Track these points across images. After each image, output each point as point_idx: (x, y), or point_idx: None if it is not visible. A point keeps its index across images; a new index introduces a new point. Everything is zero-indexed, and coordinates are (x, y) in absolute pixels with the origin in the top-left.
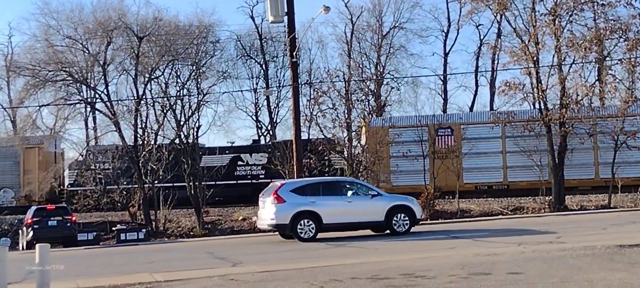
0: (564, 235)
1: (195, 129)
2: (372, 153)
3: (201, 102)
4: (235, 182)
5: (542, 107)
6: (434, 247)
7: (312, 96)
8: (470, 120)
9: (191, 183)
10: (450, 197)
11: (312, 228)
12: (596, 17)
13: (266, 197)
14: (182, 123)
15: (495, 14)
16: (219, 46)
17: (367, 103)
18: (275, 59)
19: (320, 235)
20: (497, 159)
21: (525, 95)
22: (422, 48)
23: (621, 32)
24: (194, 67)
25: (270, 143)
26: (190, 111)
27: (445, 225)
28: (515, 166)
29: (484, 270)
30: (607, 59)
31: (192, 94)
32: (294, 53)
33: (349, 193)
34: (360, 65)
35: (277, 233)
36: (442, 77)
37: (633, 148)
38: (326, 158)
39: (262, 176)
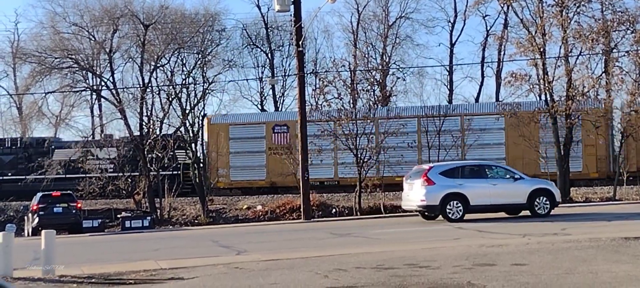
0: (569, 227)
1: (201, 118)
2: (213, 149)
3: (206, 91)
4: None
5: (549, 99)
6: (438, 237)
7: (317, 85)
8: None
9: (196, 172)
10: (289, 193)
11: (460, 209)
12: (604, 9)
13: (414, 179)
14: (187, 111)
15: (502, 5)
16: (224, 35)
17: (372, 93)
18: (281, 48)
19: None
20: (329, 157)
21: (531, 86)
22: (428, 38)
23: (629, 24)
24: (200, 55)
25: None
26: (196, 99)
27: None
28: (343, 163)
29: (489, 261)
30: (614, 50)
31: (197, 83)
32: (300, 42)
33: (493, 176)
34: (366, 55)
35: (279, 222)
36: (448, 68)
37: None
38: (172, 153)
39: (111, 170)
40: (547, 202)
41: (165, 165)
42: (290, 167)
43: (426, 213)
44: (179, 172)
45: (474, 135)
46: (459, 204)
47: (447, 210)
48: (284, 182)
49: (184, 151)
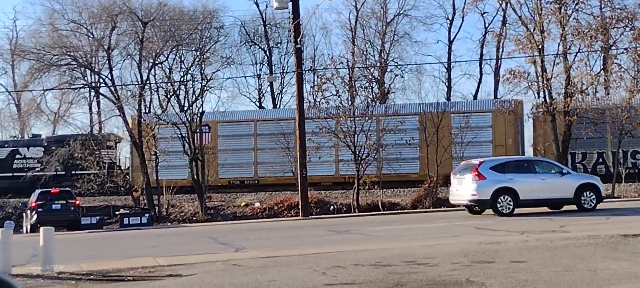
0: (568, 224)
1: (199, 115)
2: (139, 149)
3: (205, 88)
4: (11, 174)
5: (547, 96)
6: (437, 234)
7: (315, 83)
8: (224, 119)
9: (194, 168)
10: (210, 192)
11: (510, 204)
12: (602, 6)
13: (465, 174)
14: (185, 108)
15: (500, 2)
16: (223, 32)
17: (370, 90)
18: (279, 45)
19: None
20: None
21: (529, 83)
22: (427, 35)
23: (627, 21)
24: (198, 52)
25: (48, 137)
26: (194, 97)
27: (447, 213)
28: (265, 162)
29: (487, 259)
30: (613, 48)
31: (195, 80)
32: (298, 39)
33: (541, 171)
34: (364, 52)
35: (277, 219)
36: (446, 65)
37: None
38: (97, 152)
39: (38, 169)
40: (593, 197)
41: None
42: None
43: (475, 208)
44: (104, 171)
45: (224, 141)
46: (510, 199)
47: (498, 205)
48: (213, 180)
49: (110, 151)
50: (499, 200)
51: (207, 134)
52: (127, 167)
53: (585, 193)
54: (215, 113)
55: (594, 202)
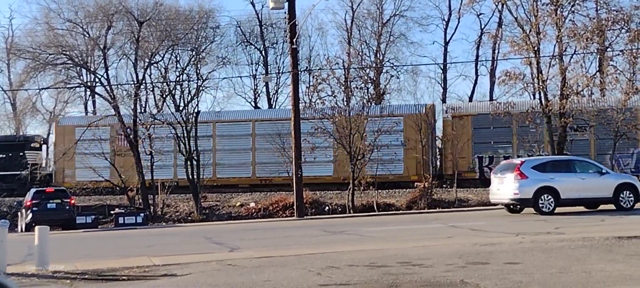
0: (562, 226)
1: (194, 115)
2: (60, 151)
3: (200, 88)
4: None
5: (542, 98)
6: (431, 235)
7: (311, 83)
8: (147, 121)
9: (189, 169)
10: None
11: (551, 202)
12: (598, 8)
13: (506, 174)
14: (181, 108)
15: (496, 3)
16: (219, 32)
17: (366, 91)
18: (275, 45)
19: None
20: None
21: (525, 85)
22: (423, 36)
23: (623, 22)
24: (194, 52)
25: None
26: (190, 96)
27: (442, 214)
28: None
29: (482, 260)
30: (609, 49)
31: (191, 80)
32: (294, 40)
33: (581, 170)
34: (360, 53)
35: (272, 219)
36: (442, 66)
37: (632, 139)
38: (21, 154)
39: None
40: (632, 196)
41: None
42: None
43: (518, 207)
44: (27, 173)
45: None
46: (551, 198)
47: (540, 204)
48: (131, 182)
49: (35, 152)
50: (541, 199)
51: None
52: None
53: (623, 193)
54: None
55: (632, 201)
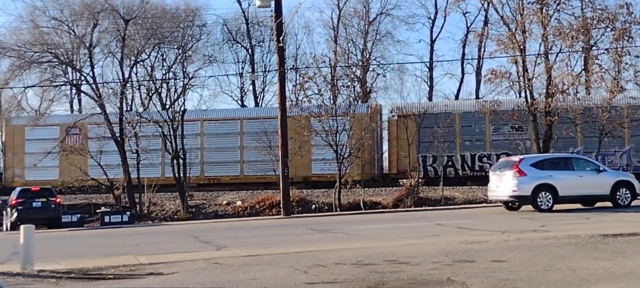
0: (548, 223)
1: (181, 113)
2: (10, 149)
3: (187, 86)
4: None
5: (528, 96)
6: (418, 233)
7: (298, 81)
8: (94, 121)
9: (176, 167)
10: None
11: (550, 199)
12: (583, 6)
13: (505, 171)
14: (167, 106)
15: (482, 2)
16: (205, 30)
17: (352, 89)
18: (261, 43)
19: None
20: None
21: (511, 83)
22: (409, 35)
23: (608, 21)
24: (180, 50)
25: None
26: (176, 95)
27: (429, 212)
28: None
29: (468, 258)
30: (594, 48)
31: (177, 78)
32: (281, 38)
33: (579, 168)
34: (347, 51)
35: (259, 217)
36: (428, 65)
37: (618, 137)
38: None
39: None
40: (629, 194)
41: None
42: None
43: (516, 204)
44: None
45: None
46: (549, 195)
47: (538, 201)
48: (76, 182)
49: None
50: (539, 196)
51: (78, 135)
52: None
53: (620, 190)
54: (84, 115)
55: (629, 198)
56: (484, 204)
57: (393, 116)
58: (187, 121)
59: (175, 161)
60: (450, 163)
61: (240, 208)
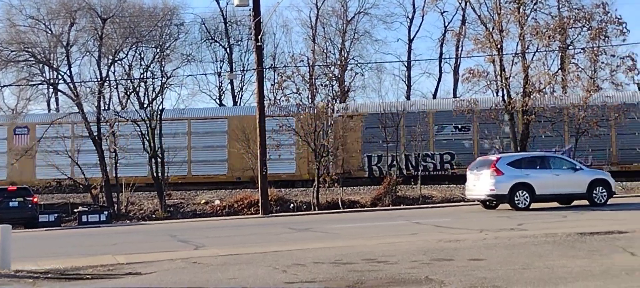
0: (525, 222)
1: (159, 112)
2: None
3: (165, 85)
4: None
5: (505, 95)
6: (396, 232)
7: (276, 80)
8: (43, 121)
9: (154, 166)
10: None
11: (527, 198)
12: (560, 6)
13: (482, 170)
14: (145, 105)
15: (460, 1)
16: (183, 29)
17: (331, 88)
18: (239, 42)
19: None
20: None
21: (488, 82)
22: (387, 34)
23: (585, 21)
24: (158, 49)
25: None
26: (154, 94)
27: (407, 211)
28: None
29: (446, 256)
30: (570, 47)
31: (155, 77)
32: (259, 37)
33: (556, 166)
34: (325, 51)
35: (237, 217)
36: (406, 64)
37: (594, 136)
38: None
39: None
40: (605, 192)
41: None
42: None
43: (494, 203)
44: None
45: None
46: (526, 194)
47: (515, 200)
48: (22, 180)
49: None
50: (516, 194)
51: (26, 136)
52: None
53: (597, 189)
54: (34, 115)
55: (606, 197)
56: (462, 203)
57: (339, 116)
58: (165, 120)
59: (153, 160)
60: (394, 163)
61: (218, 208)
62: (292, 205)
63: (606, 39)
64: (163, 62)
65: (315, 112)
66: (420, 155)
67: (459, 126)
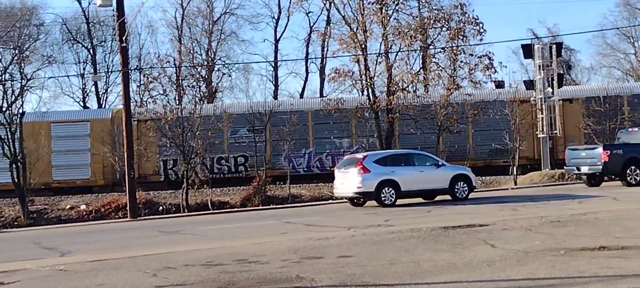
0: (392, 218)
1: (19, 116)
2: None
3: (25, 88)
4: None
5: (371, 94)
6: (266, 232)
7: (142, 82)
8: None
9: (15, 171)
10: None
11: (393, 195)
12: (420, 7)
13: (350, 168)
14: (4, 109)
15: (324, 2)
16: (43, 29)
17: (198, 89)
18: (103, 43)
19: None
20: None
21: (354, 82)
22: (254, 34)
23: (444, 21)
24: (17, 50)
25: None
26: (13, 97)
27: (277, 210)
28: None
29: (316, 254)
30: (431, 47)
31: (15, 79)
32: (124, 38)
33: (420, 163)
34: (191, 51)
35: (105, 221)
36: (273, 64)
37: (454, 133)
38: None
39: None
40: (466, 187)
41: None
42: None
43: (361, 200)
44: None
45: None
46: (392, 190)
47: (382, 196)
48: None
49: None
50: (383, 191)
51: None
52: None
53: (458, 184)
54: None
55: (467, 191)
56: (331, 201)
57: (134, 121)
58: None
59: (14, 165)
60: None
61: (85, 212)
62: (161, 207)
63: (464, 38)
64: (22, 64)
65: (111, 117)
66: (216, 158)
67: (250, 128)
